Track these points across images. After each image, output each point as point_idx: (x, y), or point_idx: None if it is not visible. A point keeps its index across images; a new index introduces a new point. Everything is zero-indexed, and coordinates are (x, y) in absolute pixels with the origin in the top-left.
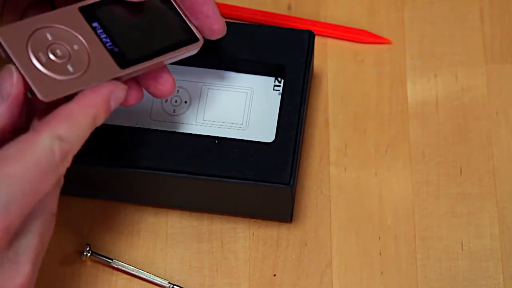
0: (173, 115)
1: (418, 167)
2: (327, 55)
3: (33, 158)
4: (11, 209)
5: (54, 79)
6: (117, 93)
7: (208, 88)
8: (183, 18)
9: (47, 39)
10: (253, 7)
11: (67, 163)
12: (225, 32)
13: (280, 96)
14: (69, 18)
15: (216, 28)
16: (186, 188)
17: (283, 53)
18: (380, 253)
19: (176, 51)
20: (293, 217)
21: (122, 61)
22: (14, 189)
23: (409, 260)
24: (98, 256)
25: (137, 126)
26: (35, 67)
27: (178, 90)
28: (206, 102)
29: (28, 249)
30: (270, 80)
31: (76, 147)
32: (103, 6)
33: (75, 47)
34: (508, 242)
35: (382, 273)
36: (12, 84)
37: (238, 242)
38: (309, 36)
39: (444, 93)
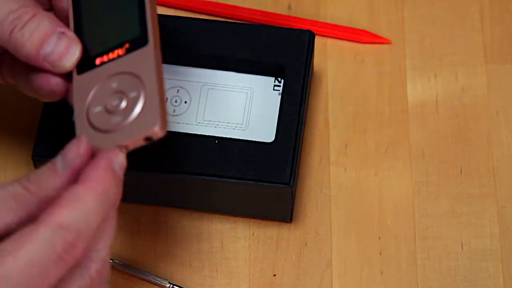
0: (173, 115)
1: (418, 167)
2: (327, 55)
3: (28, 255)
4: None
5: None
6: (119, 160)
7: (208, 88)
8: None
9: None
10: (253, 7)
11: (77, 251)
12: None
13: (280, 96)
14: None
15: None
16: (186, 188)
17: (283, 53)
18: (380, 253)
19: None
20: (293, 217)
21: (139, 41)
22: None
23: (409, 260)
24: None
25: None
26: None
27: (178, 90)
28: (206, 102)
29: None
30: (270, 80)
31: (87, 233)
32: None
33: (116, 85)
34: (508, 242)
35: (382, 273)
36: (78, 153)
37: (238, 242)
38: (309, 36)
39: (444, 93)
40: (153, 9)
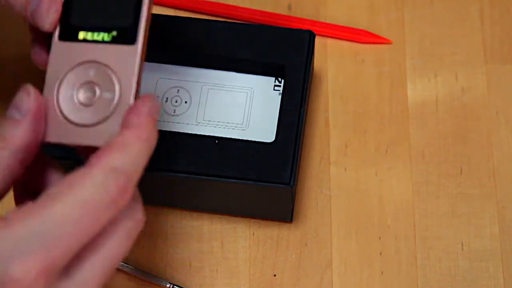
0: (173, 115)
1: (418, 167)
2: (327, 55)
3: (81, 196)
4: (52, 251)
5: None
6: (155, 105)
7: (208, 88)
8: None
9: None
10: (253, 7)
11: (127, 195)
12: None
13: (280, 96)
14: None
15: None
16: (186, 188)
17: (283, 53)
18: (380, 253)
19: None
20: (293, 217)
21: (127, 37)
22: (56, 231)
23: (409, 260)
24: None
25: None
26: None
27: (178, 90)
28: (206, 102)
29: (85, 284)
30: (270, 80)
31: (136, 177)
32: (68, 8)
33: (91, 72)
34: (508, 242)
35: (382, 273)
36: (31, 99)
37: (238, 242)
38: (309, 36)
39: (444, 93)
40: (149, 10)
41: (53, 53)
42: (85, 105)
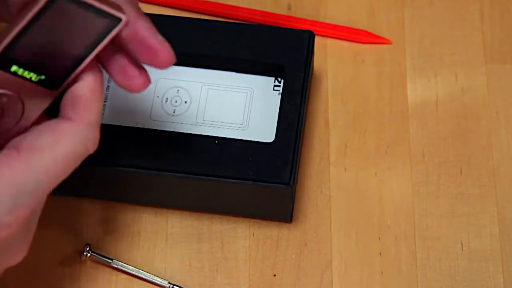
0: (173, 115)
1: (418, 167)
2: (327, 55)
3: (66, 150)
4: (35, 199)
5: None
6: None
7: (208, 88)
8: (94, 7)
9: None
10: (253, 7)
11: (98, 143)
12: (173, 61)
13: (280, 96)
14: None
15: (165, 60)
16: (186, 188)
17: (283, 53)
18: (380, 253)
19: (103, 42)
20: (293, 217)
21: (52, 83)
22: (42, 184)
23: (409, 260)
24: (98, 256)
25: (137, 126)
26: None
27: (178, 90)
28: (206, 102)
29: (35, 221)
30: (270, 80)
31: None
32: (13, 44)
33: (4, 99)
34: (508, 242)
35: (382, 273)
36: None
37: (238, 242)
38: (309, 36)
39: (444, 93)
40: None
41: None
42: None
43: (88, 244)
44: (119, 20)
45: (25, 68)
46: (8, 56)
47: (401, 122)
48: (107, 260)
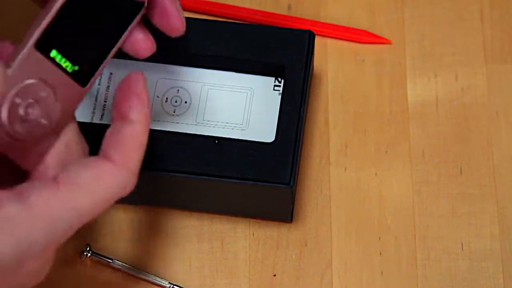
0: (173, 115)
1: (418, 167)
2: (327, 55)
3: (105, 193)
4: (63, 237)
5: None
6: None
7: (208, 88)
8: None
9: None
10: (253, 7)
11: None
12: (183, 30)
13: (280, 96)
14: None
15: (175, 26)
16: (186, 188)
17: (283, 53)
18: (380, 253)
19: (127, 30)
20: (293, 217)
21: (82, 77)
22: (75, 222)
23: (409, 260)
24: (98, 256)
25: None
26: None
27: (178, 90)
28: (206, 102)
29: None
30: (270, 80)
31: None
32: (52, 26)
33: (42, 94)
34: (508, 242)
35: (382, 273)
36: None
37: (238, 242)
38: (309, 36)
39: (444, 93)
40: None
41: (26, 56)
42: (23, 120)
43: (88, 244)
44: (142, 4)
45: (63, 55)
46: (49, 38)
47: (401, 122)
48: (107, 260)
